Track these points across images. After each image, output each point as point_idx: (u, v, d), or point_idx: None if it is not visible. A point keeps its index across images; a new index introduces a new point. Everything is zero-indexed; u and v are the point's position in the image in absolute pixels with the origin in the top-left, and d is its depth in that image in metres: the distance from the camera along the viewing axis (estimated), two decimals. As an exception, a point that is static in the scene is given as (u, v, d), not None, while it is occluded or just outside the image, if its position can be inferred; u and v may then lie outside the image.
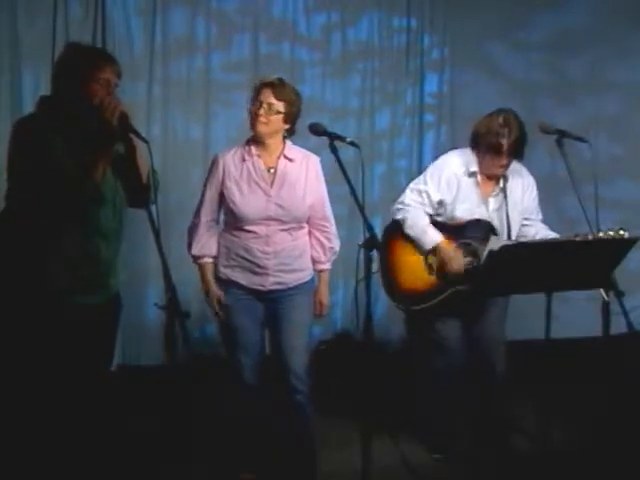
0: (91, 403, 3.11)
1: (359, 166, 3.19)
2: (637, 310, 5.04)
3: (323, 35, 5.63)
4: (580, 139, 3.68)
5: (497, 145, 3.69)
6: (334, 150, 3.10)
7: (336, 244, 3.75)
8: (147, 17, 5.15)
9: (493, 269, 3.25)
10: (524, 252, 3.25)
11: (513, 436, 4.03)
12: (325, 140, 3.17)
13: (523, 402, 4.01)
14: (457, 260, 3.75)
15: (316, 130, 3.24)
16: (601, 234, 3.32)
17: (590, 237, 3.32)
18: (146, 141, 2.84)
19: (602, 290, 3.29)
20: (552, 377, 3.54)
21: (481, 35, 5.89)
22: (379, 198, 5.76)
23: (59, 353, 2.98)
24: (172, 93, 5.26)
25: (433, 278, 3.82)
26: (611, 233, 3.30)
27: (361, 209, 2.98)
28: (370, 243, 2.90)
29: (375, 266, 2.97)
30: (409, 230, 3.84)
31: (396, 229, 3.93)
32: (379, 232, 3.86)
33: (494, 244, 3.69)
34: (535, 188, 3.91)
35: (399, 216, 3.89)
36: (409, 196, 3.89)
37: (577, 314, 5.39)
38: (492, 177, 3.83)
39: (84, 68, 2.97)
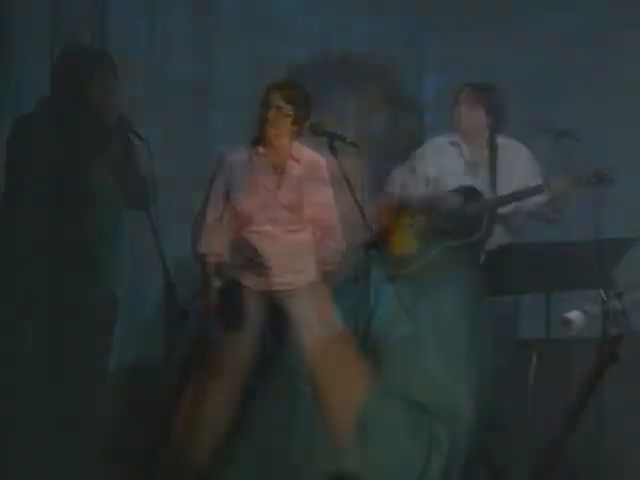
0: (90, 403, 3.10)
1: (358, 166, 3.18)
2: (636, 310, 5.06)
3: (322, 35, 5.63)
4: (579, 139, 3.68)
5: (456, 102, 3.87)
6: (333, 150, 3.09)
7: (342, 245, 3.73)
8: (147, 17, 5.15)
9: (492, 269, 3.25)
10: (522, 252, 3.25)
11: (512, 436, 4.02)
12: (324, 140, 3.16)
13: (523, 402, 4.00)
14: None
15: (316, 130, 3.23)
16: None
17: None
18: (145, 141, 2.84)
19: (601, 290, 3.29)
20: (552, 377, 3.53)
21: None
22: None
23: (57, 352, 2.98)
24: (172, 93, 5.26)
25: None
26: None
27: (361, 209, 2.97)
28: (369, 243, 2.89)
29: None
30: None
31: None
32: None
33: (492, 244, 3.70)
34: (534, 163, 3.91)
35: None
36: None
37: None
38: (474, 139, 3.85)
39: (83, 68, 2.97)
